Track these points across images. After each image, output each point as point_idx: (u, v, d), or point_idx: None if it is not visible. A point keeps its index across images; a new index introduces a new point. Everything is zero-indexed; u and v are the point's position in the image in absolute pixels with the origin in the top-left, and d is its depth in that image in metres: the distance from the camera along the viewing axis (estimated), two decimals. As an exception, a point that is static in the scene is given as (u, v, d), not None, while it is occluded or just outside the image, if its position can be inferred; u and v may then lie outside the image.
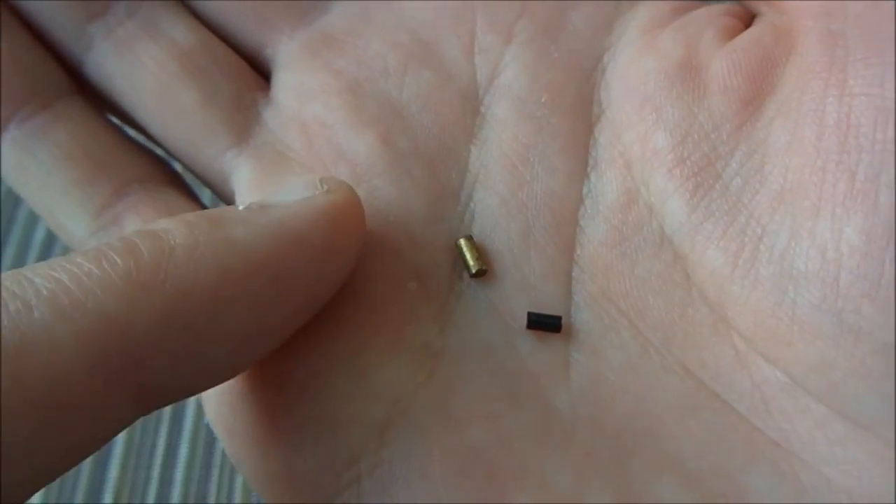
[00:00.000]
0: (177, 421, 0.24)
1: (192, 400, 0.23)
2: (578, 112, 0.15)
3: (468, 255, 0.14)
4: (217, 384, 0.13)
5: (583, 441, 0.13)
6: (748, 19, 0.15)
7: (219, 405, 0.14)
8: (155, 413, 0.22)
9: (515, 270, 0.14)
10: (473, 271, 0.14)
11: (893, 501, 0.11)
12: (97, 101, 0.16)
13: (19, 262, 0.26)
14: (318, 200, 0.13)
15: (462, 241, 0.14)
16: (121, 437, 0.23)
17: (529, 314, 0.14)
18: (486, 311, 0.14)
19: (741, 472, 0.12)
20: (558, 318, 0.14)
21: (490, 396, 0.13)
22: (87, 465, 0.23)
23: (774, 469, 0.12)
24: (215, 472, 0.24)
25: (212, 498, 0.23)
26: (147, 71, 0.16)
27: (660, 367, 0.13)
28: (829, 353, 0.12)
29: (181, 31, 0.16)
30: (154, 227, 0.12)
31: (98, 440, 0.11)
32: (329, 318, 0.14)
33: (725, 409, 0.13)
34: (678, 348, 0.13)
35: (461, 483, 0.12)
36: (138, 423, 0.23)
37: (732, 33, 0.15)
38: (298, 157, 0.15)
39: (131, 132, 0.17)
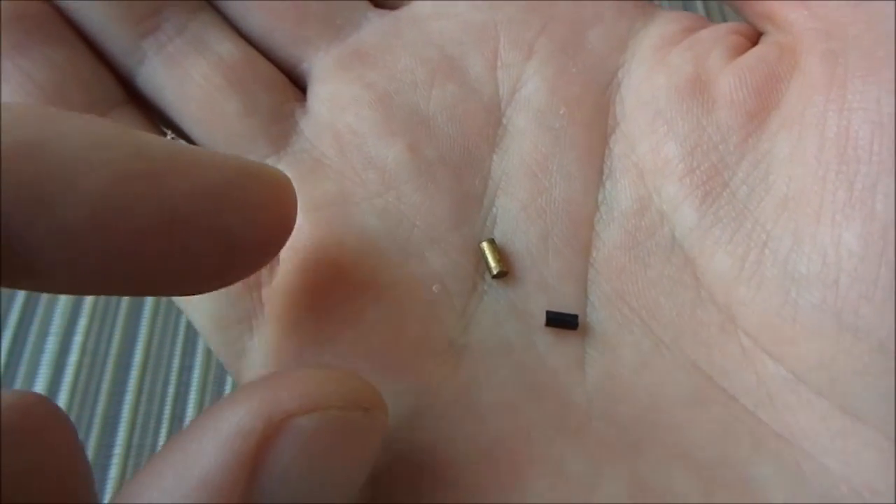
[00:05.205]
0: (177, 421, 0.24)
1: (192, 400, 0.24)
2: (594, 124, 0.16)
3: (490, 258, 0.15)
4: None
5: (597, 431, 0.14)
6: (754, 38, 0.16)
7: None
8: (155, 413, 0.23)
9: (534, 272, 0.15)
10: (495, 272, 0.15)
11: (888, 488, 0.12)
12: (148, 110, 0.18)
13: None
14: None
15: (485, 244, 0.15)
16: (121, 437, 0.23)
17: (548, 313, 0.15)
18: (506, 311, 0.15)
19: (746, 461, 0.13)
20: (575, 317, 0.15)
21: (510, 390, 0.14)
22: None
23: (777, 459, 0.13)
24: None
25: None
26: (194, 83, 0.17)
27: (670, 364, 0.14)
28: (830, 351, 0.13)
29: (226, 46, 0.17)
30: None
31: None
32: (357, 318, 0.15)
33: (732, 403, 0.14)
34: (688, 346, 0.14)
35: (482, 469, 0.13)
36: (138, 422, 0.23)
37: (739, 51, 0.15)
38: (332, 164, 0.16)
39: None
